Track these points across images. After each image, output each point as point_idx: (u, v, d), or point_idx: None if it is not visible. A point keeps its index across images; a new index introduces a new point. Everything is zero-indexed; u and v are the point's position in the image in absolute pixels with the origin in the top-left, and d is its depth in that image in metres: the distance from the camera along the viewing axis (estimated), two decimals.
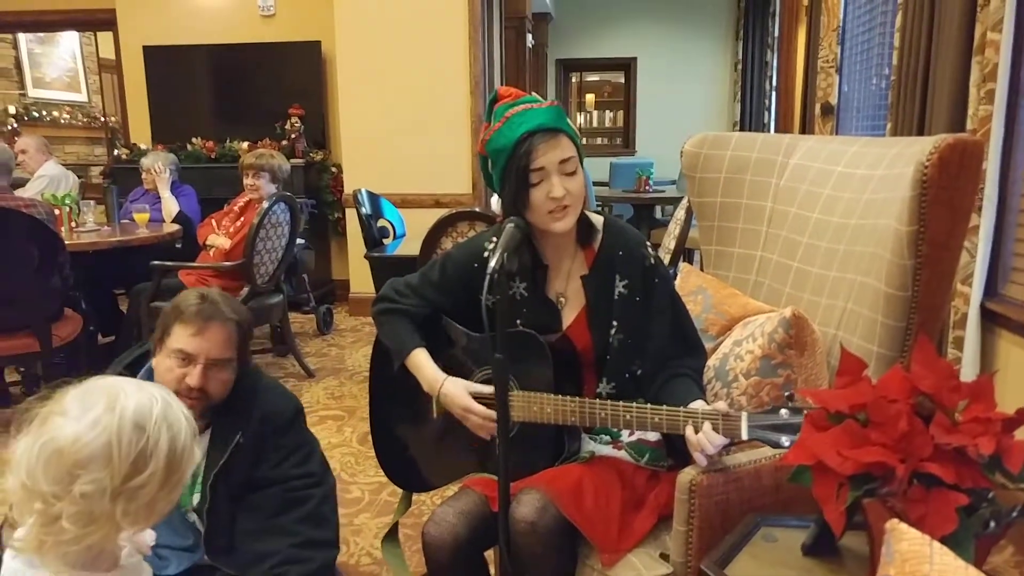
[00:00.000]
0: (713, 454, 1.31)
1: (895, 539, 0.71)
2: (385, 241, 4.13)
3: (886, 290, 1.45)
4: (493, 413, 1.47)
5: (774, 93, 6.48)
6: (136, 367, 1.61)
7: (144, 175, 4.52)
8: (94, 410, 0.95)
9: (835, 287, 1.65)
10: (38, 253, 2.93)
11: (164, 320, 1.53)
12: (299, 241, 4.16)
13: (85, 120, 7.28)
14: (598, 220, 1.58)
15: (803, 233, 1.80)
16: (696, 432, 1.31)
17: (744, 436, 1.28)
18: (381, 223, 4.23)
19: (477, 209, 3.44)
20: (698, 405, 1.37)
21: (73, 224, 3.93)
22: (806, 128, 4.87)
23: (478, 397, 1.51)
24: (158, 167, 4.38)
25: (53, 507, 0.93)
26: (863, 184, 1.65)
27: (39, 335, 2.94)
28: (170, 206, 4.32)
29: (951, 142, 1.36)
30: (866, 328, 1.51)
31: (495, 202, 3.80)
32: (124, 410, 0.96)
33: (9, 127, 6.12)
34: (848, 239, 1.64)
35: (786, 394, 1.29)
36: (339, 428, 3.27)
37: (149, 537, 1.13)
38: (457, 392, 1.51)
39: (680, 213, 3.52)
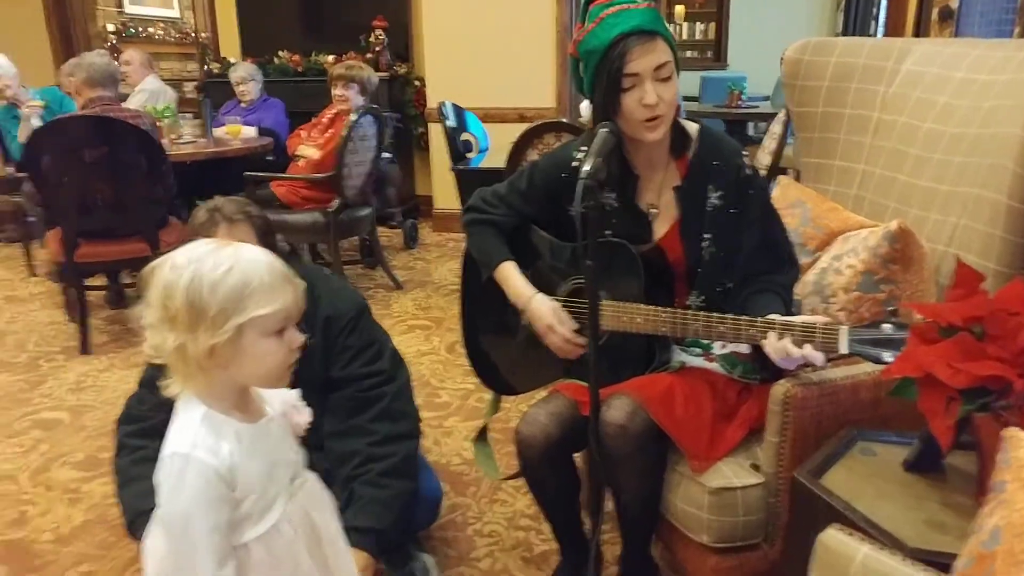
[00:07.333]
0: (793, 367, 1.28)
1: (1013, 446, 0.69)
2: (468, 155, 4.12)
3: (1008, 203, 1.37)
4: (575, 336, 1.49)
5: None
6: None
7: (237, 87, 4.66)
8: None
9: (947, 201, 1.56)
10: (145, 163, 3.10)
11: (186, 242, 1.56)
12: (384, 155, 4.20)
13: (178, 36, 7.44)
14: (693, 129, 1.53)
15: (912, 144, 1.70)
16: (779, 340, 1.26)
17: (843, 350, 1.23)
18: (465, 137, 4.21)
19: (564, 120, 3.38)
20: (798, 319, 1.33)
21: (172, 136, 4.10)
22: (920, 37, 4.51)
23: (567, 306, 1.52)
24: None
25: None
26: (985, 90, 1.54)
27: (149, 240, 3.15)
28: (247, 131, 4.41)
29: None
30: (982, 244, 1.44)
31: (585, 107, 3.70)
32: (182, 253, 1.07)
33: (109, 43, 6.31)
34: (965, 150, 1.54)
35: (889, 308, 1.24)
36: (427, 337, 3.38)
37: (303, 419, 1.21)
38: (544, 310, 1.52)
39: (776, 128, 3.37)
